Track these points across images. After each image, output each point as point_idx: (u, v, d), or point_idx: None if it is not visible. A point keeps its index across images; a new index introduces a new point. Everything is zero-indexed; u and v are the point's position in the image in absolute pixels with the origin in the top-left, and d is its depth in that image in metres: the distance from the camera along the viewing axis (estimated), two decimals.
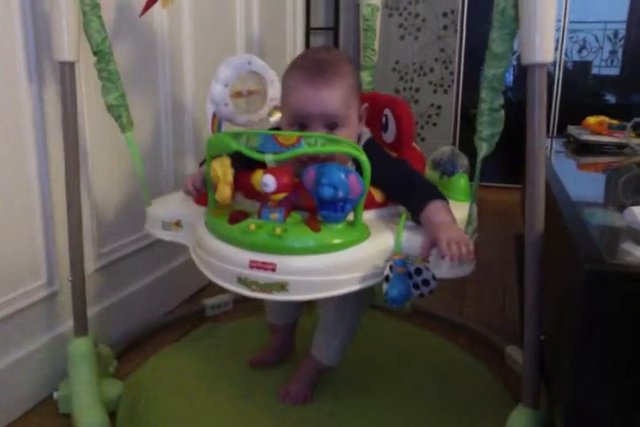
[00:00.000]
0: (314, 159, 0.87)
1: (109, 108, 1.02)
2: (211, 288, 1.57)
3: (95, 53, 0.97)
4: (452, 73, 2.95)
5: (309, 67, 0.91)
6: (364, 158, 0.79)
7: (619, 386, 0.69)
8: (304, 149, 0.80)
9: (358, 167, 0.82)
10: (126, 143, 1.05)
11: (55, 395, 1.02)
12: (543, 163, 0.81)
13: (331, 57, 0.94)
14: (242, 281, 0.82)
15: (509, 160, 2.46)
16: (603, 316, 0.67)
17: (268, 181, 0.80)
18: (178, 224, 1.02)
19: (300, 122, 0.92)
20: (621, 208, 0.85)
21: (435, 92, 3.01)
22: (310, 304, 1.26)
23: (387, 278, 0.81)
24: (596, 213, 0.98)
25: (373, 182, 0.81)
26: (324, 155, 0.86)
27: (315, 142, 0.79)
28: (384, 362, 1.23)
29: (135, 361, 1.21)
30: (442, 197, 0.89)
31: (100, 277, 1.23)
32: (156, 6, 1.06)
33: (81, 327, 1.03)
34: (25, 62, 0.99)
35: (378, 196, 0.91)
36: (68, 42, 0.91)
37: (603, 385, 0.69)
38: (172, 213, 1.04)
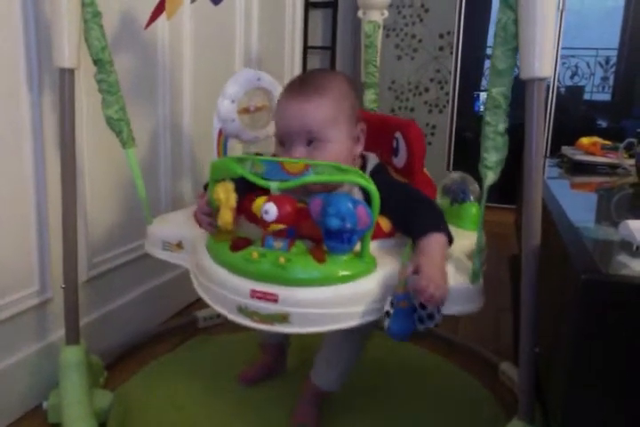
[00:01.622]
0: (322, 188, 0.85)
1: (109, 122, 1.00)
2: (204, 300, 1.55)
3: (95, 62, 0.97)
4: (447, 93, 2.98)
5: (295, 86, 0.93)
6: (373, 189, 0.76)
7: (615, 398, 0.69)
8: (311, 177, 0.77)
9: (365, 195, 0.80)
10: (127, 160, 1.04)
11: (44, 404, 1.01)
12: (540, 173, 0.81)
13: (320, 76, 0.94)
14: (242, 311, 0.79)
15: (503, 181, 2.48)
16: (599, 327, 0.67)
17: (269, 209, 0.77)
18: (179, 245, 0.99)
19: (283, 140, 0.91)
20: (616, 224, 0.86)
21: (430, 111, 3.04)
22: None
23: (387, 314, 0.77)
24: (591, 229, 0.99)
25: (381, 211, 0.78)
26: (330, 184, 0.84)
27: (322, 171, 0.77)
28: (379, 379, 1.22)
29: (126, 372, 1.20)
30: (446, 229, 0.84)
31: (92, 286, 1.22)
32: (159, 22, 1.07)
33: (72, 336, 1.02)
34: (26, 70, 0.99)
35: (385, 225, 0.87)
36: (69, 48, 0.92)
37: (598, 397, 0.69)
38: (173, 233, 1.01)
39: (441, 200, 1.08)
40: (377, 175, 0.86)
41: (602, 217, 1.15)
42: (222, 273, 0.82)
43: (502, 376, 1.21)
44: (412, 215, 0.86)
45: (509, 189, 2.44)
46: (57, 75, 0.96)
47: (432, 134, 3.04)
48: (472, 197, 1.06)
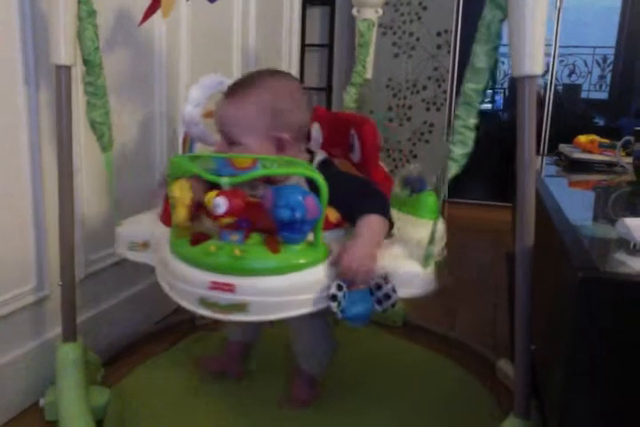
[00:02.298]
0: (270, 181, 0.89)
1: (93, 125, 1.00)
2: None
3: (85, 62, 0.96)
4: (444, 91, 2.98)
5: (231, 86, 0.96)
6: (320, 179, 0.80)
7: (612, 395, 0.69)
8: (259, 171, 0.81)
9: (311, 187, 0.82)
10: (104, 163, 1.04)
11: (41, 402, 1.01)
12: (533, 170, 0.81)
13: (249, 83, 0.94)
14: (203, 302, 0.82)
15: (499, 179, 2.49)
16: (596, 324, 0.67)
17: (219, 203, 0.79)
18: (145, 244, 1.01)
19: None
20: (613, 222, 0.86)
21: (427, 109, 3.04)
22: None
23: (334, 298, 0.80)
24: (588, 227, 0.99)
25: (329, 202, 0.81)
26: (279, 177, 0.88)
27: (270, 165, 0.81)
28: (375, 376, 1.22)
29: (123, 370, 1.20)
30: (381, 211, 0.88)
31: (89, 284, 1.22)
32: (155, 19, 1.07)
33: (70, 333, 1.01)
34: (23, 66, 0.99)
35: (333, 216, 0.90)
36: (65, 45, 0.91)
37: (595, 394, 0.69)
38: (138, 233, 1.02)
39: (401, 191, 1.10)
40: (322, 168, 0.89)
41: (599, 215, 1.16)
42: (183, 267, 0.85)
43: (499, 373, 1.21)
44: (353, 202, 0.89)
45: (506, 187, 2.44)
46: (53, 71, 0.95)
47: (430, 132, 3.04)
48: (429, 187, 1.09)
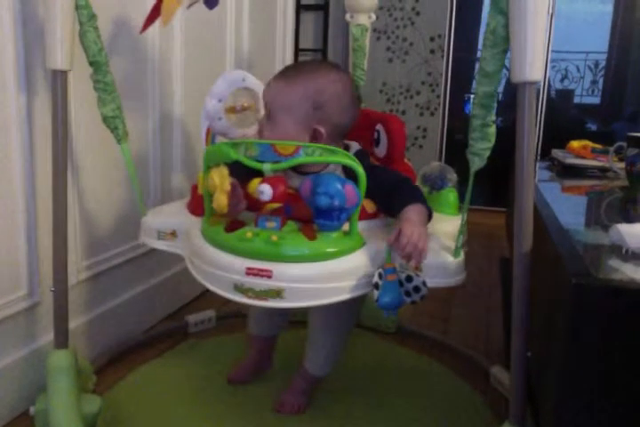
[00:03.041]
0: (305, 171, 0.91)
1: (105, 119, 1.02)
2: (195, 304, 1.55)
3: (91, 64, 0.97)
4: (438, 96, 2.99)
5: (286, 67, 0.99)
6: (360, 169, 0.80)
7: (607, 402, 0.69)
8: (302, 158, 0.81)
9: (349, 177, 0.83)
10: (122, 153, 1.05)
11: (32, 410, 0.99)
12: (532, 177, 0.82)
13: (308, 69, 0.97)
14: (238, 288, 0.82)
15: (493, 184, 2.49)
16: (591, 331, 0.67)
17: (264, 190, 0.80)
18: (173, 234, 1.02)
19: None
20: (606, 228, 0.86)
21: (421, 114, 3.05)
22: (293, 321, 1.25)
23: (376, 286, 0.82)
24: (582, 232, 0.99)
25: (365, 193, 0.82)
26: (316, 166, 0.89)
27: (312, 152, 0.81)
28: (368, 381, 1.22)
29: (115, 377, 1.19)
30: (424, 202, 0.90)
31: (81, 290, 1.21)
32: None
33: (61, 339, 1.00)
34: (14, 70, 0.98)
35: (369, 206, 0.92)
36: (62, 50, 0.91)
37: (590, 401, 0.69)
38: (167, 222, 1.03)
39: (421, 188, 1.10)
40: (360, 158, 0.89)
41: (592, 220, 1.16)
42: (218, 254, 0.85)
43: (493, 380, 1.21)
44: (393, 194, 0.90)
45: (500, 192, 2.45)
46: (47, 72, 0.95)
47: (423, 137, 3.05)
48: (450, 184, 1.12)
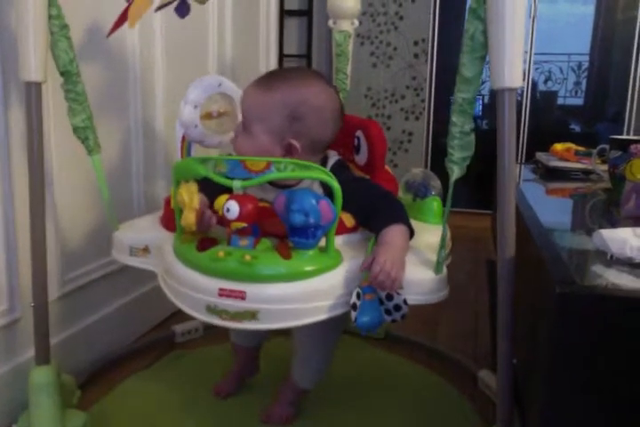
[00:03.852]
0: (281, 184, 0.88)
1: (76, 130, 1.00)
2: (182, 314, 1.52)
3: (62, 74, 0.95)
4: (423, 100, 3.00)
5: (265, 74, 0.96)
6: (335, 184, 0.77)
7: (592, 406, 0.69)
8: (273, 175, 0.79)
9: (325, 190, 0.81)
10: (93, 166, 1.03)
11: None
12: (513, 182, 0.81)
13: (286, 76, 0.93)
14: (211, 310, 0.80)
15: (479, 186, 2.50)
16: (575, 337, 0.67)
17: (231, 207, 0.77)
18: (146, 249, 0.99)
19: None
20: (590, 232, 0.86)
21: (406, 118, 3.05)
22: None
23: (354, 306, 0.79)
24: (565, 236, 0.99)
25: (343, 207, 0.79)
26: (292, 180, 0.85)
27: (285, 168, 0.78)
28: (357, 387, 1.21)
29: (100, 391, 1.17)
30: (406, 221, 0.86)
31: (63, 304, 1.19)
32: (128, 31, 1.05)
33: (43, 355, 0.99)
34: None
35: (348, 221, 0.89)
36: (35, 62, 0.89)
37: (576, 406, 0.69)
38: (139, 238, 1.00)
39: (404, 196, 1.09)
40: (338, 171, 0.86)
41: (576, 223, 1.16)
42: (190, 274, 0.82)
43: (481, 384, 1.21)
44: (373, 210, 0.87)
45: (486, 194, 2.46)
46: (22, 86, 0.93)
47: (409, 141, 3.06)
48: (433, 192, 1.08)
